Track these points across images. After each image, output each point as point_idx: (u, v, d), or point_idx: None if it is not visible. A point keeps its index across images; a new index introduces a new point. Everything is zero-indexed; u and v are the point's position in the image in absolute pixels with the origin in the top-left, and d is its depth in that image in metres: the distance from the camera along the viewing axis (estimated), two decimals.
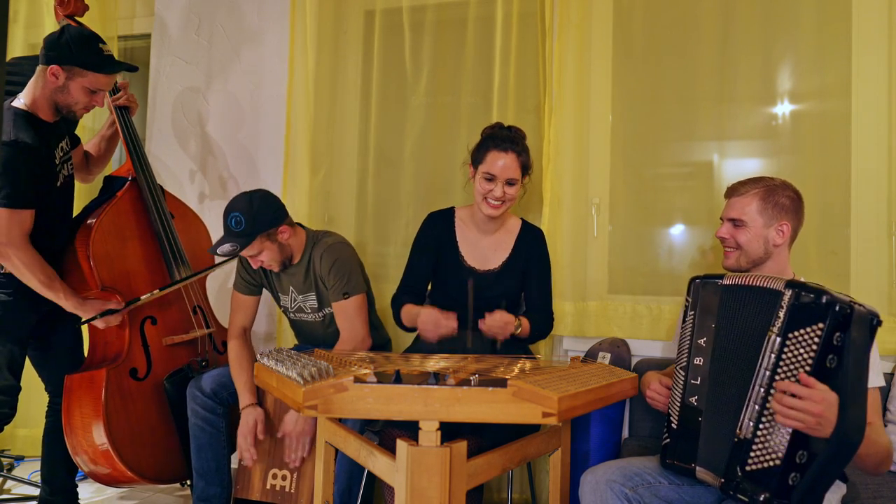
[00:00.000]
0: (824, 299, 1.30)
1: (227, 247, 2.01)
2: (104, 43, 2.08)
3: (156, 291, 2.24)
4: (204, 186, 3.04)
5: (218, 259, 2.51)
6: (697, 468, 1.45)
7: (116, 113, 2.40)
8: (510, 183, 1.99)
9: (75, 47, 1.99)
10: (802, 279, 1.51)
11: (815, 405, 1.25)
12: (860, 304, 1.32)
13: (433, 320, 1.86)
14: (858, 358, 1.28)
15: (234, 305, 2.27)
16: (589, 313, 2.42)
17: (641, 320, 2.37)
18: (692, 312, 1.55)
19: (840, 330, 1.29)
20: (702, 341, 1.51)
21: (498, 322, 1.86)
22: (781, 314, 1.35)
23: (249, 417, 2.09)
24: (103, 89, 2.08)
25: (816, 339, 1.30)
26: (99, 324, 2.12)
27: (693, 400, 1.49)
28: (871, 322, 1.31)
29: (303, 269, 2.21)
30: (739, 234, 1.67)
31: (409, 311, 2.03)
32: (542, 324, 2.09)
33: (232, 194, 2.97)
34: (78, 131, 2.42)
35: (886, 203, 2.16)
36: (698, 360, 1.50)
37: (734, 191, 1.72)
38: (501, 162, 1.97)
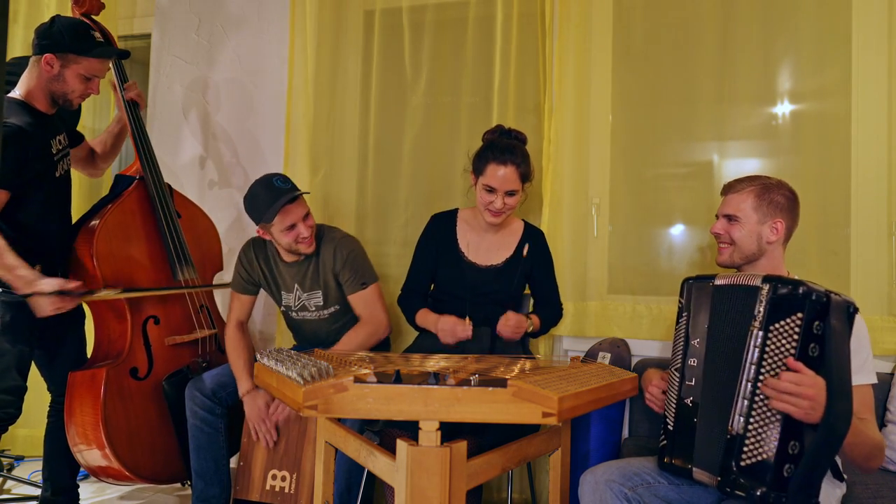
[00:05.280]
0: (801, 290, 1.33)
1: (297, 192, 2.09)
2: (95, 29, 2.09)
3: (117, 290, 2.14)
4: (203, 186, 3.04)
5: (216, 280, 2.59)
6: (694, 469, 1.45)
7: (126, 107, 2.41)
8: (510, 194, 2.03)
9: (67, 34, 2.00)
10: (796, 277, 1.52)
11: (808, 388, 1.28)
12: (836, 294, 1.34)
13: (451, 329, 1.96)
14: (839, 345, 1.30)
15: (231, 302, 2.32)
16: (589, 313, 2.42)
17: (641, 320, 2.37)
18: (685, 313, 1.55)
19: (819, 318, 1.31)
20: (695, 342, 1.51)
21: (512, 325, 1.95)
22: (761, 308, 1.37)
23: (259, 401, 2.11)
24: (98, 75, 2.09)
25: (797, 329, 1.32)
26: (44, 308, 1.91)
27: (688, 401, 1.49)
28: (848, 310, 1.34)
29: (309, 263, 2.23)
30: (733, 230, 1.68)
31: (425, 316, 2.11)
32: (553, 315, 2.19)
33: (232, 193, 3.00)
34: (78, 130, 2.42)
35: (886, 203, 2.16)
36: (692, 362, 1.50)
37: (730, 188, 1.73)
38: (501, 174, 2.00)
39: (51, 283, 1.90)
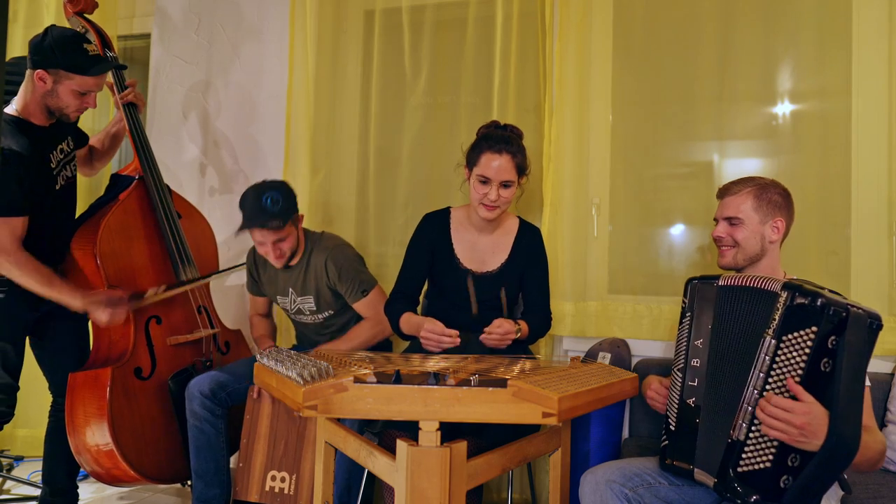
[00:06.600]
0: (819, 302, 1.29)
1: (273, 221, 2.07)
2: (90, 42, 2.04)
3: (160, 289, 2.21)
4: (203, 187, 3.04)
5: (223, 266, 2.62)
6: (696, 470, 1.45)
7: (124, 110, 2.38)
8: (505, 185, 1.94)
9: (59, 50, 1.94)
10: (795, 278, 1.51)
11: (798, 417, 1.25)
12: (858, 308, 1.29)
13: (436, 336, 1.80)
14: (854, 362, 1.26)
15: (249, 299, 2.54)
16: (589, 313, 2.42)
17: (642, 320, 2.37)
18: (689, 314, 1.55)
19: (835, 334, 1.27)
20: (699, 343, 1.51)
21: (499, 333, 1.82)
22: (777, 316, 1.34)
23: None
24: (93, 90, 2.03)
25: (810, 343, 1.29)
26: (102, 316, 2.03)
27: (691, 402, 1.49)
28: (870, 325, 1.29)
29: (302, 270, 2.24)
30: (737, 232, 1.68)
31: (409, 319, 1.98)
32: (541, 324, 2.06)
33: (232, 194, 2.99)
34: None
35: (886, 203, 2.16)
36: (695, 362, 1.50)
37: (727, 190, 1.73)
38: (496, 164, 1.92)
39: (99, 300, 2.06)
